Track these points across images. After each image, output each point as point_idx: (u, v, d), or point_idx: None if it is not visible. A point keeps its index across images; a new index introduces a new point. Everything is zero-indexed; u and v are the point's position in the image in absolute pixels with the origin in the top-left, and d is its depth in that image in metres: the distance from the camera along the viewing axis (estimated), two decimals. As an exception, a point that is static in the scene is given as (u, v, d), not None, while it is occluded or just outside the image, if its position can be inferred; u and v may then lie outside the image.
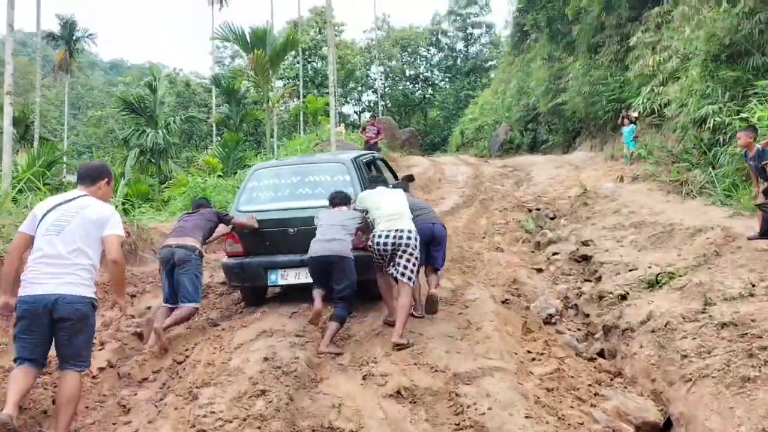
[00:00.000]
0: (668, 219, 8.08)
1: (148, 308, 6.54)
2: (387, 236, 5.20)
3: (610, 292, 5.87)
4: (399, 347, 4.81)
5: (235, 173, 15.36)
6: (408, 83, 59.26)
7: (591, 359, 5.17)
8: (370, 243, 5.37)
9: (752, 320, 3.96)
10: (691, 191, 10.73)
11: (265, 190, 6.56)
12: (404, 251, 5.16)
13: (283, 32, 13.04)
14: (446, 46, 58.12)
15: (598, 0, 22.48)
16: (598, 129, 23.19)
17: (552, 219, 11.47)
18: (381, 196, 5.61)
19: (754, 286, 4.51)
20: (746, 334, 3.84)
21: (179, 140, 29.38)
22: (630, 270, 6.37)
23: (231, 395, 3.93)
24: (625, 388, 4.40)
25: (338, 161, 6.84)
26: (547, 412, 3.73)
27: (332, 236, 5.32)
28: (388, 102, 59.15)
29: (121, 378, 4.83)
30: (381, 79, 59.49)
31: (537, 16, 28.30)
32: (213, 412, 3.69)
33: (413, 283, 5.24)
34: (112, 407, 4.33)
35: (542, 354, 4.91)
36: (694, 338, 4.14)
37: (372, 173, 6.82)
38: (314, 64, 52.16)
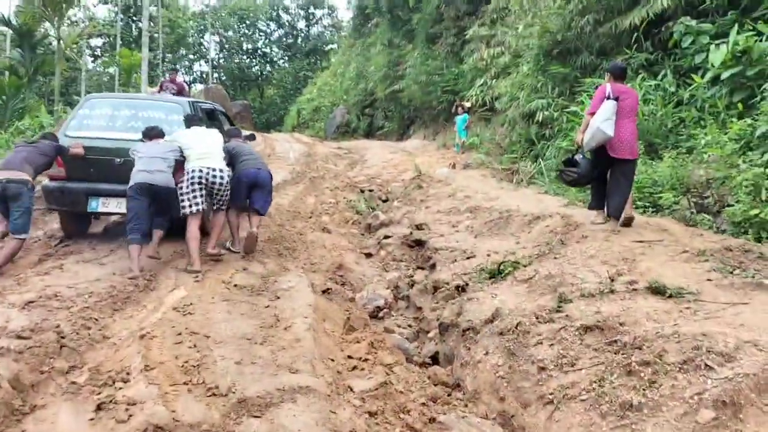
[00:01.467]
0: (504, 205, 7.54)
1: None
2: (200, 172, 5.57)
3: (447, 283, 4.98)
4: (212, 257, 5.57)
5: (13, 125, 12.31)
6: (245, 57, 56.00)
7: (424, 364, 4.21)
8: (182, 179, 5.62)
9: (620, 324, 3.20)
10: (522, 180, 10.57)
11: (96, 119, 6.56)
12: (218, 191, 5.69)
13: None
14: (287, 23, 55.94)
15: (439, -10, 22.48)
16: (432, 118, 23.29)
17: (385, 201, 10.66)
18: (194, 136, 5.87)
19: (612, 280, 3.82)
20: (616, 341, 3.06)
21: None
22: (468, 257, 5.57)
23: None
24: (466, 406, 3.45)
25: (175, 101, 7.13)
26: (367, 457, 2.60)
27: (155, 168, 5.52)
28: (222, 74, 55.38)
29: None
30: (216, 50, 55.50)
31: (379, 1, 27.78)
32: None
33: (224, 212, 5.90)
34: None
35: (366, 360, 3.82)
36: (552, 344, 3.30)
37: (199, 116, 6.77)
38: (139, 23, 47.00)
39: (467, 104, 17.34)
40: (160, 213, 5.61)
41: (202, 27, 49.64)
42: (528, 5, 14.51)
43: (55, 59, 15.79)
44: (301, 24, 56.39)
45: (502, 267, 4.76)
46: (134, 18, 46.33)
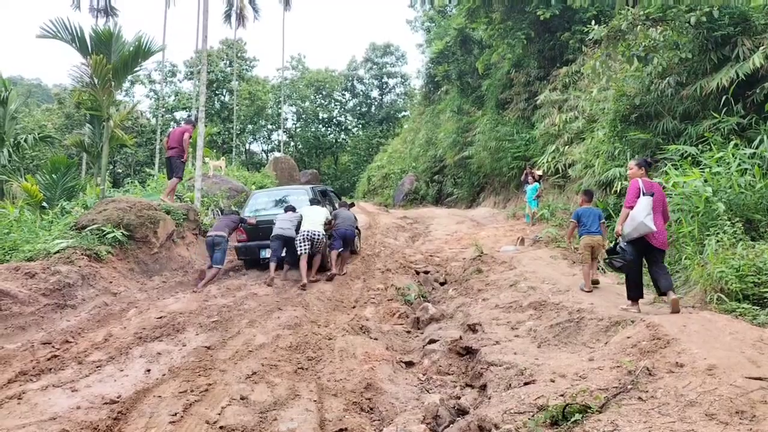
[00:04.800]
0: (575, 301, 6.36)
1: None
2: (305, 232, 9.64)
3: (495, 425, 3.84)
4: (312, 281, 9.58)
5: (58, 204, 12.22)
6: (321, 126, 57.61)
7: None
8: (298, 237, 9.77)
9: None
10: (598, 263, 9.24)
11: (260, 204, 11.42)
12: (314, 242, 9.64)
13: (136, 39, 10.60)
14: (361, 93, 57.39)
15: (508, 57, 21.87)
16: (502, 185, 22.23)
17: (442, 284, 9.63)
18: (307, 210, 10.14)
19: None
20: None
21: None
22: (526, 383, 4.42)
23: None
24: None
25: (303, 189, 11.90)
26: None
27: (284, 226, 9.84)
28: (298, 143, 57.04)
29: None
30: (293, 119, 57.41)
31: (448, 68, 27.59)
32: None
33: (322, 255, 9.92)
34: None
35: None
36: None
37: (317, 197, 11.10)
38: (222, 97, 49.50)
39: (538, 173, 16.22)
40: (287, 254, 9.65)
41: (279, 98, 51.58)
42: (602, 68, 13.44)
43: (107, 135, 15.98)
44: (375, 93, 57.65)
45: (567, 411, 3.60)
46: (217, 92, 48.87)
